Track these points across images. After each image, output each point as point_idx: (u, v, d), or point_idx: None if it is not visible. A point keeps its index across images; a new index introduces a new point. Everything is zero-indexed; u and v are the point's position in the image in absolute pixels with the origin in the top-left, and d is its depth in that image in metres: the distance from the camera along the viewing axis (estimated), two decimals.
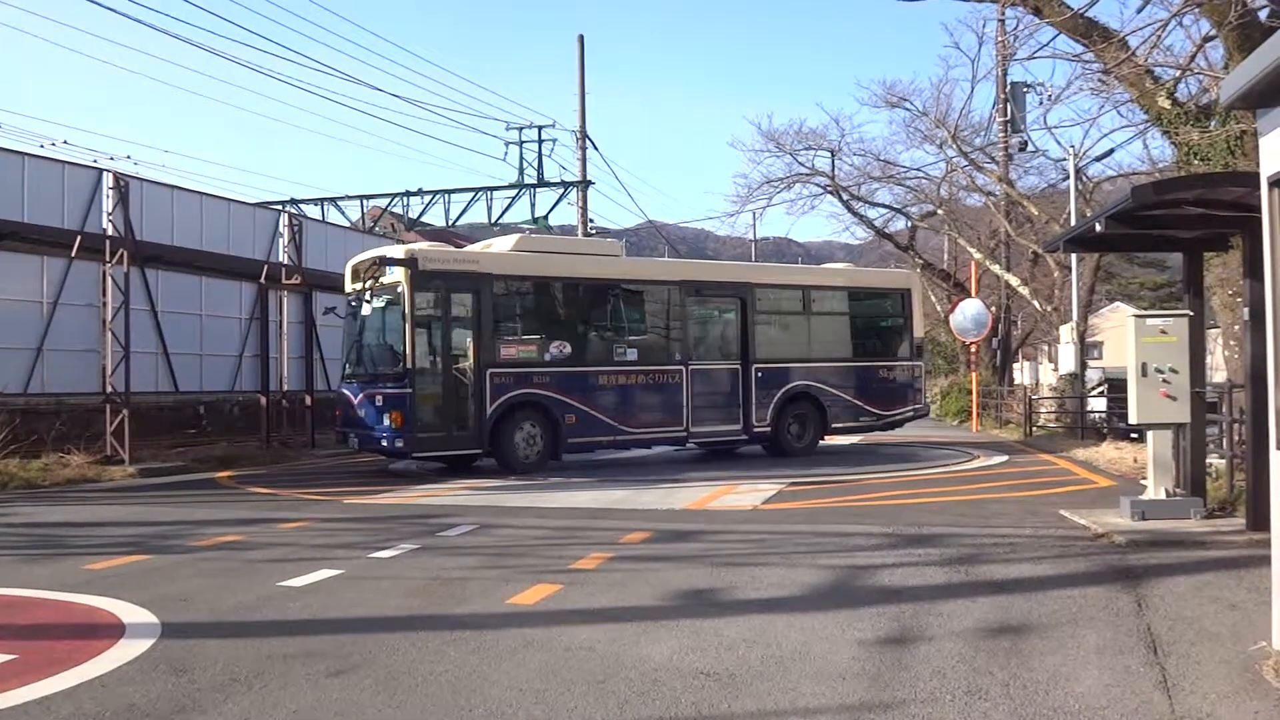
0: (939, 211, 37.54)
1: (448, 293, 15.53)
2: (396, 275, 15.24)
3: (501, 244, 17.47)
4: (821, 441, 19.76)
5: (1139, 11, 24.44)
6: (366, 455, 18.78)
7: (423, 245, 16.60)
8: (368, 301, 15.26)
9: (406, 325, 15.10)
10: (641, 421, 17.19)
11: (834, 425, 19.64)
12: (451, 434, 15.52)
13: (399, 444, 15.22)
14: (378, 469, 17.39)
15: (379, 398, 15.39)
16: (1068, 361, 27.31)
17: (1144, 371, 9.83)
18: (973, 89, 50.19)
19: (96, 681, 5.04)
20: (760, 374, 18.42)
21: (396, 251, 15.88)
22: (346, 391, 16.49)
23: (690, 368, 17.68)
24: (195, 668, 5.27)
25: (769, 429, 18.50)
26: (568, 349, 16.60)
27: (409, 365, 15.09)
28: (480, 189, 34.68)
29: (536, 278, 16.73)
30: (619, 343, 17.33)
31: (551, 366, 16.35)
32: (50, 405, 17.93)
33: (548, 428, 16.22)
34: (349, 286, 16.86)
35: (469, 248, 18.20)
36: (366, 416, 15.70)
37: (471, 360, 15.58)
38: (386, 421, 15.13)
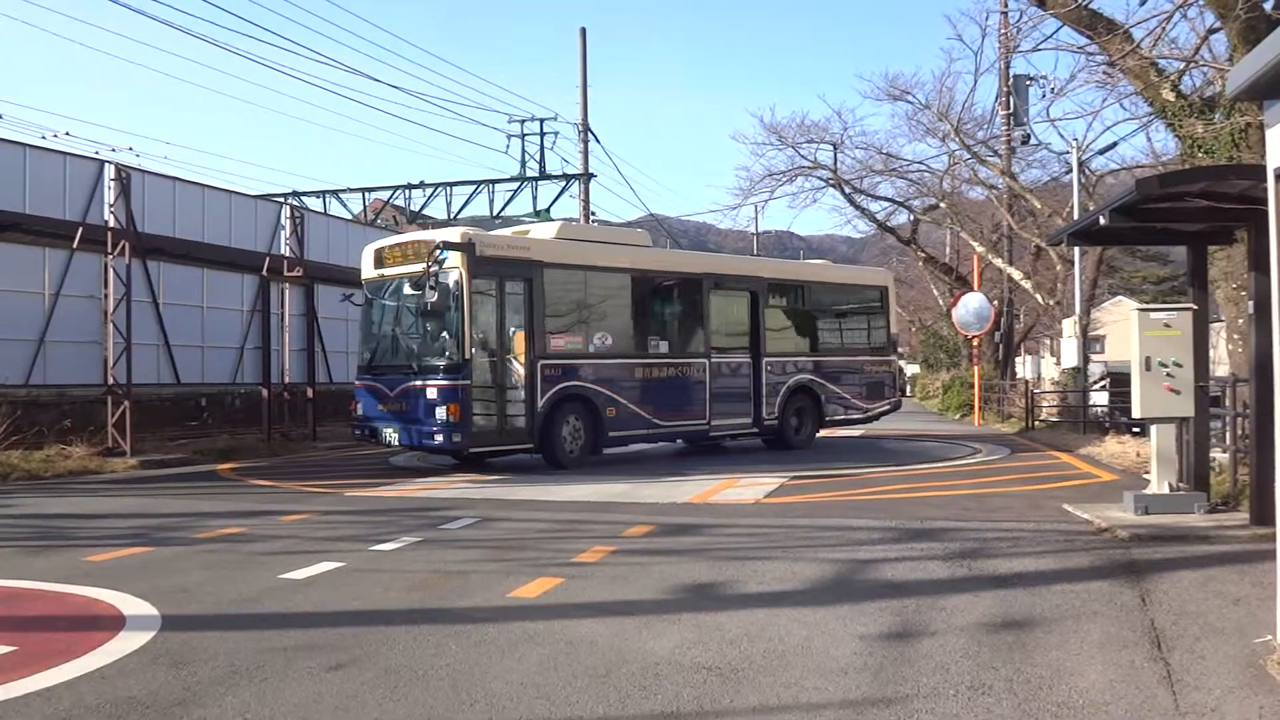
0: (941, 205, 37.50)
1: (501, 280, 15.04)
2: (452, 260, 14.56)
3: (543, 231, 17.15)
4: (817, 435, 19.88)
5: (1143, 3, 24.39)
6: (368, 448, 18.76)
7: (470, 229, 15.91)
8: (432, 287, 14.29)
9: (464, 313, 14.45)
10: (672, 414, 17.07)
11: (828, 419, 19.88)
12: (505, 428, 15.06)
13: (455, 439, 14.50)
14: (379, 462, 17.38)
15: (431, 390, 14.59)
16: (1070, 355, 27.28)
17: (1148, 365, 9.80)
18: (975, 82, 50.22)
19: (97, 673, 5.03)
20: (769, 367, 18.53)
21: (452, 234, 15.13)
22: (377, 384, 15.63)
23: (712, 361, 17.72)
24: (195, 660, 5.26)
25: (776, 422, 18.62)
26: (609, 340, 16.38)
27: (466, 356, 14.47)
28: (482, 182, 34.61)
29: (581, 266, 16.27)
30: (653, 334, 17.25)
31: (595, 358, 16.08)
32: (52, 397, 17.95)
33: (589, 421, 15.94)
34: (370, 272, 16.25)
35: (502, 232, 17.68)
36: (411, 410, 14.86)
37: (523, 351, 15.10)
38: (441, 415, 14.41)
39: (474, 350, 14.59)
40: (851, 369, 20.46)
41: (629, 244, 18.01)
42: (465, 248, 14.56)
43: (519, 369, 15.09)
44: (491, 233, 17.03)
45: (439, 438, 14.61)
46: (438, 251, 14.49)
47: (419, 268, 14.74)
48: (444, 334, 14.79)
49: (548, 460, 15.60)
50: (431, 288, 14.29)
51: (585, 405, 15.87)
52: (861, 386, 20.58)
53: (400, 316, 15.87)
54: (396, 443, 15.46)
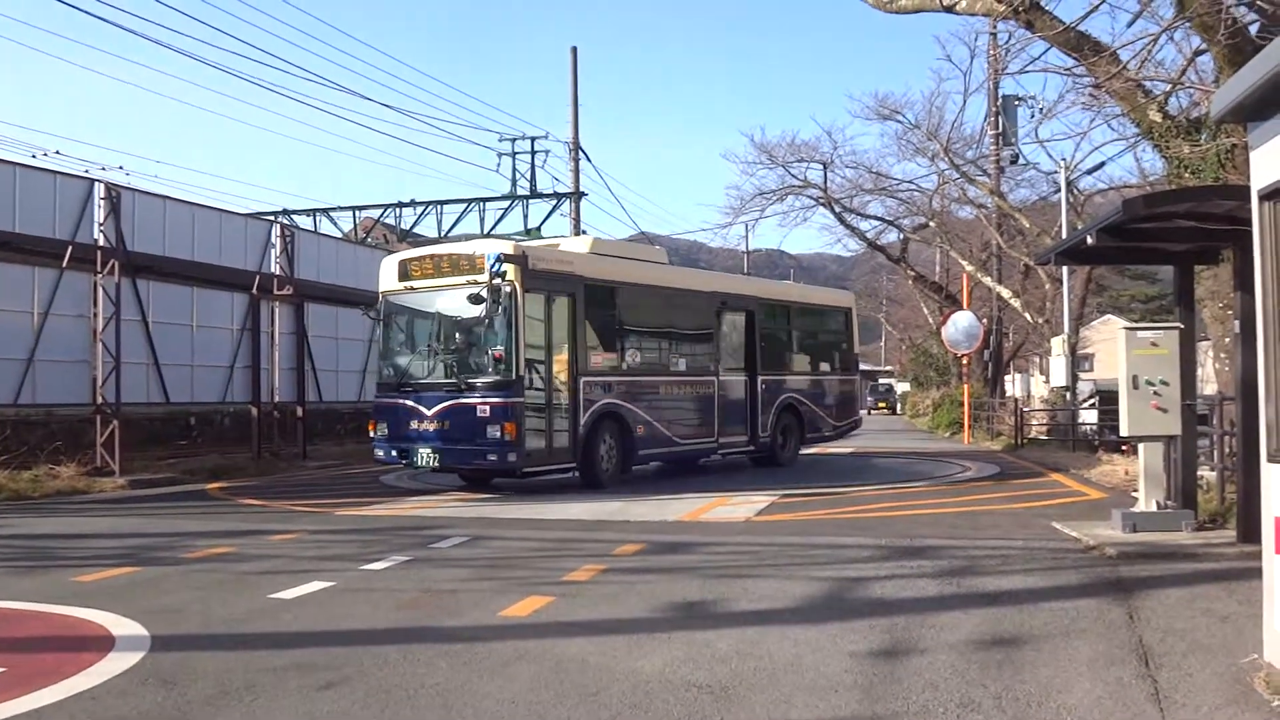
0: (931, 224, 37.72)
1: (549, 294, 14.66)
2: (505, 272, 13.99)
3: (575, 245, 16.90)
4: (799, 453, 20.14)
5: (1130, 26, 24.52)
6: (359, 467, 18.77)
7: (508, 245, 15.37)
8: (495, 301, 13.82)
9: (517, 327, 13.98)
10: (689, 432, 17.02)
11: (809, 436, 20.16)
12: (552, 447, 14.58)
13: (511, 458, 13.97)
14: (369, 481, 17.33)
15: (482, 408, 13.98)
16: (1059, 374, 27.36)
17: (1135, 384, 9.85)
18: (964, 102, 50.44)
19: (86, 694, 5.02)
20: (763, 386, 18.64)
21: (505, 246, 14.75)
22: (410, 402, 14.79)
23: (720, 379, 17.78)
24: (185, 680, 5.24)
25: (769, 439, 18.74)
26: (638, 358, 16.33)
27: (519, 372, 14.01)
28: (473, 200, 34.56)
29: (618, 282, 16.20)
30: (673, 352, 17.24)
31: (627, 375, 15.95)
32: (40, 416, 17.85)
33: (619, 439, 15.68)
34: (393, 284, 15.46)
35: (532, 244, 17.26)
36: (457, 429, 14.19)
37: (567, 368, 14.82)
38: (494, 434, 13.84)
39: (526, 366, 14.17)
40: (826, 387, 20.89)
41: (652, 261, 18.10)
42: (519, 260, 14.20)
43: (562, 386, 14.79)
44: (532, 243, 16.65)
45: (492, 457, 14.05)
46: (498, 264, 13.99)
47: (462, 280, 14.37)
48: (495, 349, 14.16)
49: (585, 480, 15.22)
50: (495, 301, 13.84)
51: (618, 423, 15.64)
52: (833, 404, 21.01)
53: (438, 330, 15.06)
54: (436, 464, 14.74)
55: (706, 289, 18.21)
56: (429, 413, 14.54)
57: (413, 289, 15.24)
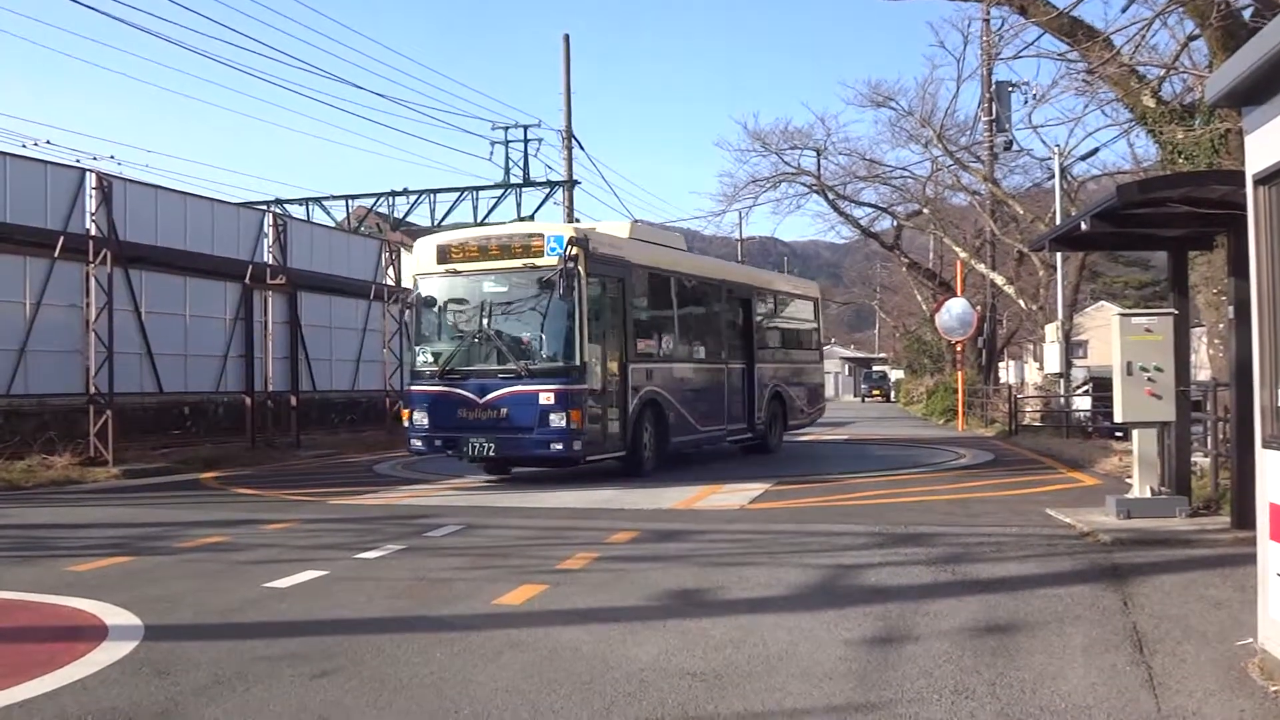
0: (924, 211, 37.66)
1: (603, 280, 14.43)
2: (576, 256, 13.62)
3: (613, 229, 16.44)
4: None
5: (1123, 11, 24.48)
6: (352, 455, 18.72)
7: (568, 228, 15.14)
8: (569, 286, 13.40)
9: (581, 313, 13.65)
10: (707, 419, 16.96)
11: (790, 423, 20.39)
12: (606, 434, 14.29)
13: (577, 446, 13.65)
14: (363, 469, 17.33)
15: (545, 395, 13.56)
16: (1053, 360, 27.38)
17: (1129, 370, 9.84)
18: (958, 88, 50.32)
19: (79, 684, 5.00)
20: (759, 373, 18.75)
21: (566, 229, 14.47)
22: (457, 389, 14.15)
23: (729, 366, 17.87)
24: (178, 670, 5.23)
25: (764, 426, 18.88)
26: (671, 345, 16.32)
27: (584, 358, 13.68)
28: (466, 189, 34.51)
29: (655, 269, 16.18)
30: (696, 340, 17.26)
31: (663, 362, 15.92)
32: (33, 406, 17.81)
33: (656, 427, 15.52)
34: (431, 268, 14.76)
35: (585, 227, 16.97)
36: (514, 418, 13.75)
37: (617, 354, 14.59)
38: (559, 422, 13.48)
39: (589, 352, 13.84)
40: (802, 375, 21.14)
41: (677, 247, 18.12)
42: (581, 243, 13.80)
43: (614, 373, 14.55)
44: (584, 226, 16.38)
45: (557, 446, 13.66)
46: (566, 247, 13.61)
47: (517, 263, 13.99)
48: (559, 335, 13.85)
49: (628, 468, 15.03)
50: (569, 285, 13.42)
51: (656, 411, 15.50)
52: (807, 392, 21.33)
53: (489, 316, 14.21)
54: (492, 454, 14.26)
55: (723, 277, 18.50)
56: (480, 401, 13.98)
57: (456, 272, 14.60)
